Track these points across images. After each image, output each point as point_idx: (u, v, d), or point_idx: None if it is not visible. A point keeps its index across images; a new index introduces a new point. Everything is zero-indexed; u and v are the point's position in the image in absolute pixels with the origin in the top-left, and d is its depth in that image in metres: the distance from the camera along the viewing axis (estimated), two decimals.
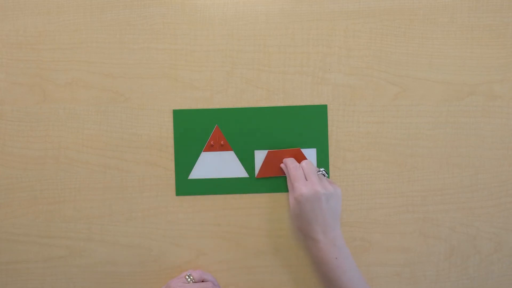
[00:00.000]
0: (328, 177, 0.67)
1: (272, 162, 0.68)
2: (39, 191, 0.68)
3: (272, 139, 0.68)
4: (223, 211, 0.68)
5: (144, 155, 0.68)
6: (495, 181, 0.68)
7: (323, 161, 0.68)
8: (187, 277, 0.64)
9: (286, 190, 0.68)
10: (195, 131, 0.68)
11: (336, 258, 0.60)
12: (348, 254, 0.61)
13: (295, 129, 0.68)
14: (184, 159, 0.68)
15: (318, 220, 0.61)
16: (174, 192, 0.68)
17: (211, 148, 0.68)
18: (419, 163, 0.68)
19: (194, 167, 0.68)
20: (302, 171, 0.63)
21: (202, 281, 0.64)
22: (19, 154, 0.68)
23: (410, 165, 0.68)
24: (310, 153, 0.68)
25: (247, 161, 0.68)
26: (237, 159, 0.68)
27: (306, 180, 0.62)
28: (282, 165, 0.67)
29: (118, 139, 0.68)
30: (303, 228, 0.63)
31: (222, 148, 0.68)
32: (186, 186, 0.68)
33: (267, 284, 0.68)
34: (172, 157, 0.68)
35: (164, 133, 0.68)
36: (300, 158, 0.67)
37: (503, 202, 0.68)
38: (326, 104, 0.68)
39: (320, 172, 0.64)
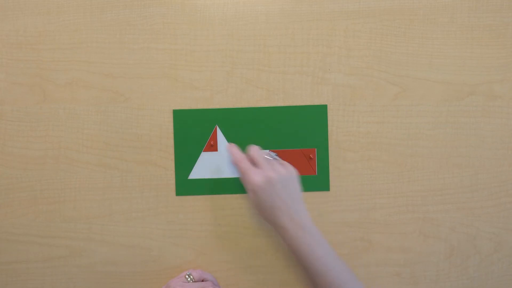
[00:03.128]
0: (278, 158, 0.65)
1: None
2: (39, 191, 0.68)
3: (272, 139, 0.68)
4: (223, 211, 0.68)
5: (144, 155, 0.68)
6: (495, 181, 0.68)
7: (323, 161, 0.68)
8: (187, 276, 0.64)
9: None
10: (195, 131, 0.68)
11: (308, 245, 0.57)
12: (321, 239, 0.58)
13: (295, 129, 0.68)
14: (184, 159, 0.68)
15: (281, 207, 0.58)
16: (174, 192, 0.68)
17: (211, 148, 0.68)
18: (419, 163, 0.68)
19: (194, 167, 0.68)
20: (247, 160, 0.61)
21: (202, 281, 0.64)
22: (19, 154, 0.68)
23: (410, 165, 0.68)
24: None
25: None
26: None
27: (256, 167, 0.60)
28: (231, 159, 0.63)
29: (118, 139, 0.68)
30: (269, 219, 0.59)
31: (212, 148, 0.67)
32: (186, 186, 0.68)
33: (267, 284, 0.68)
34: (172, 157, 0.68)
35: (164, 133, 0.68)
36: (301, 158, 0.67)
37: (503, 202, 0.68)
38: (326, 104, 0.68)
39: (269, 156, 0.62)
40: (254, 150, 0.62)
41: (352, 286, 0.57)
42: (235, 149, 0.64)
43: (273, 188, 0.58)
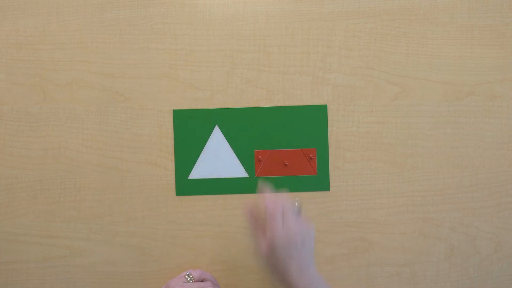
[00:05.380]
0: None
1: (272, 162, 0.68)
2: (39, 191, 0.68)
3: (272, 139, 0.68)
4: (223, 211, 0.68)
5: (144, 155, 0.68)
6: (495, 181, 0.68)
7: (323, 161, 0.68)
8: (186, 276, 0.64)
9: (286, 190, 0.68)
10: (195, 131, 0.68)
11: None
12: None
13: (295, 129, 0.68)
14: (184, 159, 0.68)
15: (293, 264, 0.55)
16: (174, 192, 0.68)
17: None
18: (419, 163, 0.68)
19: (194, 167, 0.68)
20: (280, 210, 0.56)
21: (202, 281, 0.64)
22: (19, 154, 0.68)
23: (410, 165, 0.68)
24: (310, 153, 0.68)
25: (247, 161, 0.68)
26: (237, 159, 0.68)
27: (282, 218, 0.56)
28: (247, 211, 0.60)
29: (118, 139, 0.68)
30: (277, 275, 0.56)
31: None
32: (186, 186, 0.68)
33: (267, 284, 0.68)
34: (172, 157, 0.68)
35: (164, 133, 0.68)
36: (301, 158, 0.67)
37: (503, 202, 0.68)
38: (326, 104, 0.68)
39: (296, 206, 0.59)
40: (284, 200, 0.58)
41: None
42: (271, 197, 0.59)
43: (294, 246, 0.55)
